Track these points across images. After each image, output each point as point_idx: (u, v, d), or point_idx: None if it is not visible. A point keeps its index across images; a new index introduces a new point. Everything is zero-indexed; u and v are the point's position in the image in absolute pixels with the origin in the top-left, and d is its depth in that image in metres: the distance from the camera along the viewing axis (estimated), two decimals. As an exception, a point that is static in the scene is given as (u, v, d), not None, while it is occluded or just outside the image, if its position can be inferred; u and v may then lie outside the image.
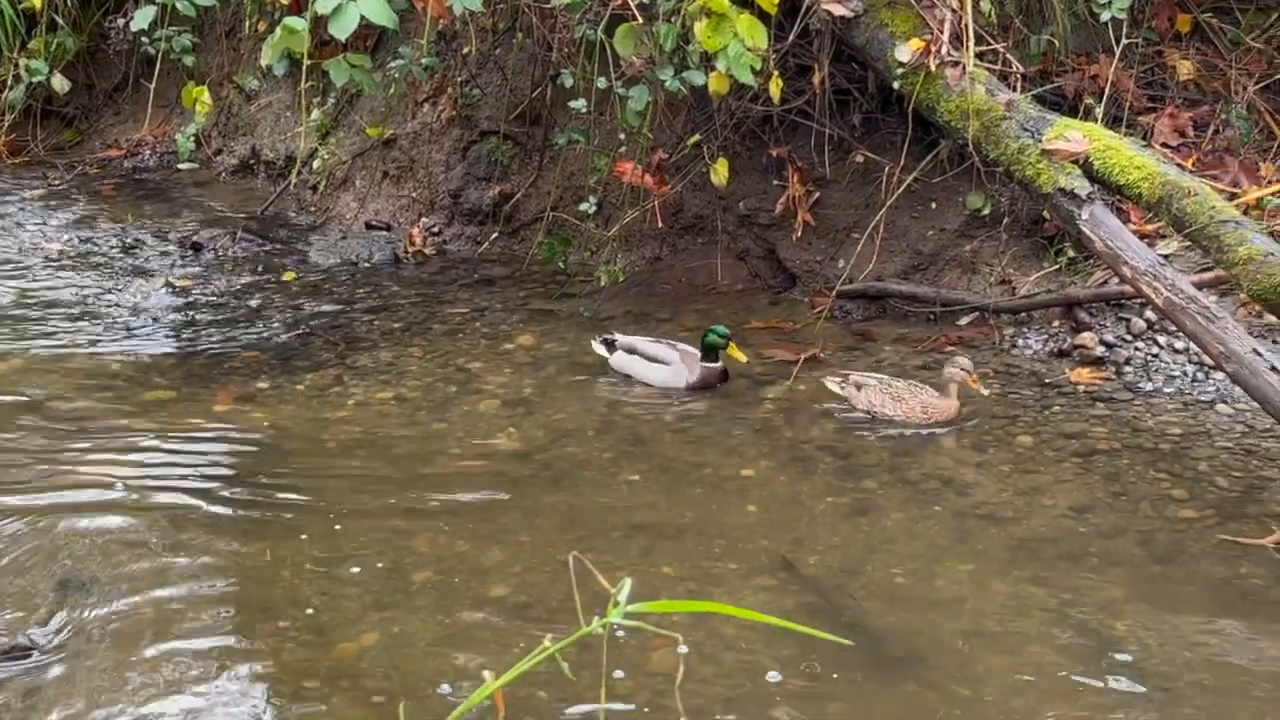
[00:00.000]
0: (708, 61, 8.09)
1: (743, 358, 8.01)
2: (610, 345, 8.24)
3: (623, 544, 6.40)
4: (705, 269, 9.76)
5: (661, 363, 8.04)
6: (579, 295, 9.58)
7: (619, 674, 5.34)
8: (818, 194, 9.40)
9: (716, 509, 6.77)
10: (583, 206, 9.39)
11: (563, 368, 8.45)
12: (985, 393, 7.59)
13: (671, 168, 9.46)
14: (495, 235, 10.51)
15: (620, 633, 5.43)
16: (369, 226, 10.96)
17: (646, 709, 5.17)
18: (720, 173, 8.75)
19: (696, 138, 9.19)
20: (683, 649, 5.52)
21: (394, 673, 5.44)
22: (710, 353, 7.99)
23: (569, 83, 9.03)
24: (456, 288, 9.91)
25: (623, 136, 9.18)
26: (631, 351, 8.14)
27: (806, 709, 5.20)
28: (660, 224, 9.34)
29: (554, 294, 9.68)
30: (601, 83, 8.69)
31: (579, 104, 8.95)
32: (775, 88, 8.25)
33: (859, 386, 7.67)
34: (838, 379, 7.81)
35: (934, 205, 9.20)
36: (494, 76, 10.66)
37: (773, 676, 5.39)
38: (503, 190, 10.53)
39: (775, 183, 9.48)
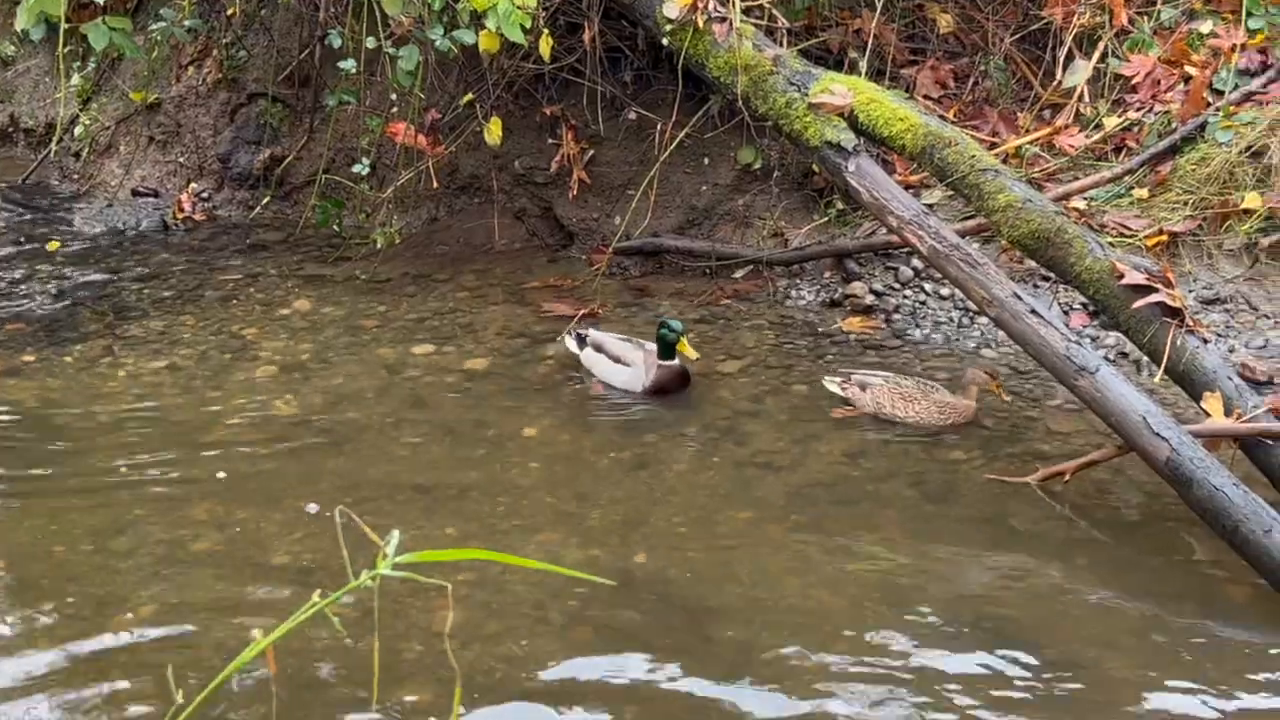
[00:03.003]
0: (478, 20, 8.05)
1: (693, 354, 7.53)
2: (582, 341, 7.83)
3: (406, 506, 6.38)
4: (483, 229, 9.74)
5: (624, 364, 7.60)
6: (355, 258, 9.49)
7: (401, 629, 5.34)
8: (592, 152, 9.43)
9: (499, 468, 6.78)
10: (356, 168, 9.28)
11: (340, 331, 8.37)
12: (1007, 399, 7.22)
13: (445, 128, 9.40)
14: (267, 199, 10.35)
15: (404, 592, 5.44)
16: (136, 193, 10.70)
17: (427, 661, 5.17)
18: (494, 132, 8.73)
19: (469, 97, 9.14)
20: (469, 600, 5.53)
21: (173, 643, 5.35)
22: (667, 350, 7.49)
23: (337, 43, 8.90)
24: (229, 254, 9.74)
25: (394, 97, 9.09)
26: (599, 348, 7.70)
27: (592, 659, 5.25)
28: (435, 185, 9.29)
29: (329, 258, 9.57)
30: (371, 43, 8.59)
31: (348, 64, 8.84)
32: (546, 46, 8.25)
33: (863, 387, 7.27)
34: (838, 379, 7.40)
35: (707, 161, 9.30)
36: (260, 38, 10.47)
37: (554, 618, 5.47)
38: (273, 153, 10.36)
39: (550, 141, 9.48)
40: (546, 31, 8.27)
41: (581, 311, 8.40)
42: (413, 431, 7.14)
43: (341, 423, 7.24)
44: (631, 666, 5.19)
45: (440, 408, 7.43)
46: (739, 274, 8.97)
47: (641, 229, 9.08)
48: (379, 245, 9.20)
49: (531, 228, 9.79)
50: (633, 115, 9.26)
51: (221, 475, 6.63)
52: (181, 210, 10.37)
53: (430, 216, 9.93)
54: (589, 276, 9.05)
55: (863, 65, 8.87)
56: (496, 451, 6.95)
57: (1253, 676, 5.15)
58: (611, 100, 9.31)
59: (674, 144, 8.83)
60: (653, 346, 7.57)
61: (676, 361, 7.50)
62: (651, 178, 8.86)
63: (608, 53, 9.10)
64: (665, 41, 8.26)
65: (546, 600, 5.61)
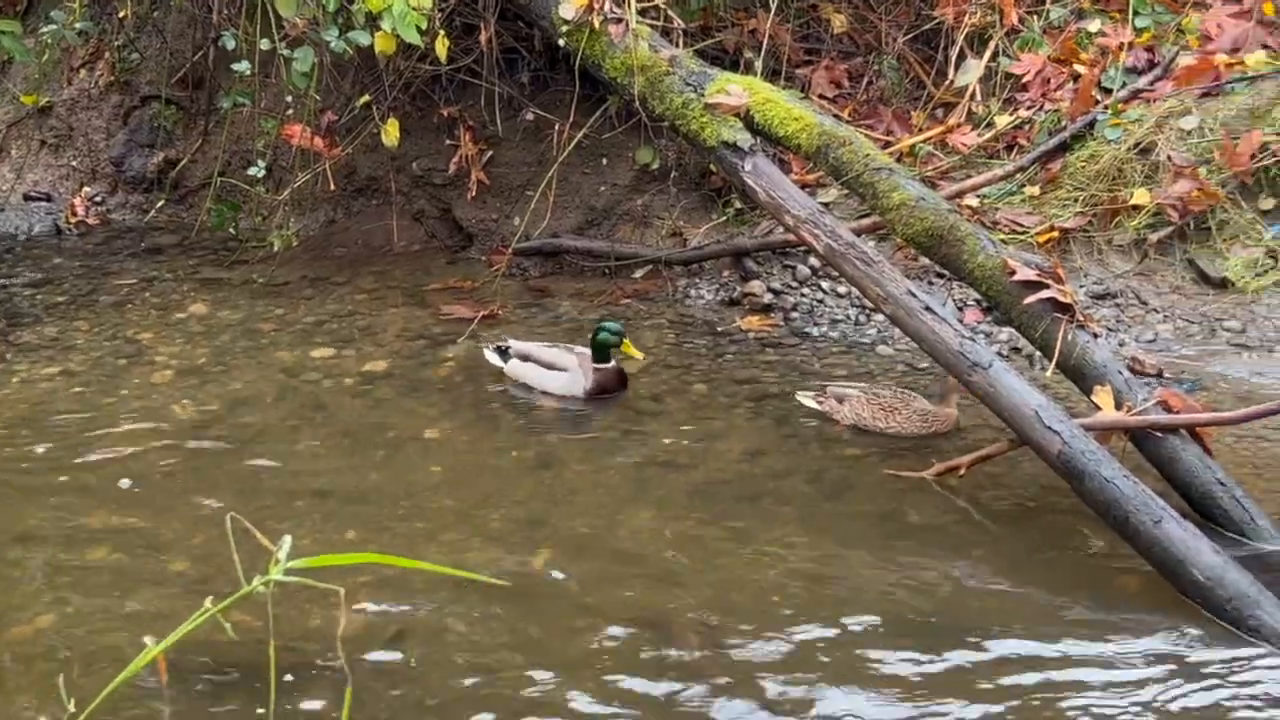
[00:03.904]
0: (373, 21, 8.02)
1: (639, 355, 7.58)
2: (504, 353, 7.72)
3: (306, 511, 6.35)
4: (381, 230, 9.71)
5: (559, 369, 7.54)
6: (252, 261, 9.41)
7: (299, 635, 5.32)
8: (491, 153, 9.43)
9: (400, 470, 6.77)
10: (251, 171, 9.19)
11: (238, 335, 8.31)
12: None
13: (341, 129, 9.36)
14: (162, 203, 10.25)
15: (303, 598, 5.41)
16: (27, 198, 10.55)
17: (324, 666, 5.16)
18: (391, 134, 8.69)
19: (366, 99, 9.10)
20: (369, 606, 5.52)
21: (70, 653, 5.29)
22: (601, 352, 7.48)
23: (231, 45, 8.82)
24: (123, 258, 9.63)
25: (290, 99, 9.03)
26: (527, 358, 7.65)
27: (493, 662, 5.25)
28: (333, 187, 9.24)
29: (226, 261, 9.50)
30: (265, 44, 8.53)
31: (242, 66, 8.75)
32: (442, 47, 8.23)
33: (840, 399, 7.18)
34: (812, 393, 7.33)
35: (605, 161, 9.32)
36: (153, 40, 10.36)
37: (454, 623, 5.47)
38: (167, 156, 10.27)
39: (448, 142, 9.46)
40: (443, 32, 8.25)
41: (481, 313, 8.39)
42: (312, 435, 7.11)
43: (240, 427, 7.19)
44: (534, 668, 5.20)
45: (340, 411, 7.39)
46: (638, 274, 9.01)
47: (541, 229, 9.09)
48: (276, 248, 9.13)
49: (430, 229, 9.77)
50: (530, 116, 9.26)
51: (125, 484, 6.56)
52: (74, 214, 10.24)
53: (328, 219, 9.88)
54: (488, 278, 9.05)
55: (758, 65, 8.94)
56: (397, 454, 6.93)
57: (1146, 665, 5.25)
58: (509, 101, 9.30)
59: (572, 145, 8.84)
60: (581, 350, 7.57)
61: (613, 363, 7.49)
62: (550, 178, 8.87)
63: (505, 54, 9.09)
64: (562, 42, 8.27)
65: (448, 603, 5.60)
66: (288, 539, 2.30)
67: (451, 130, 9.42)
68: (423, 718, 4.92)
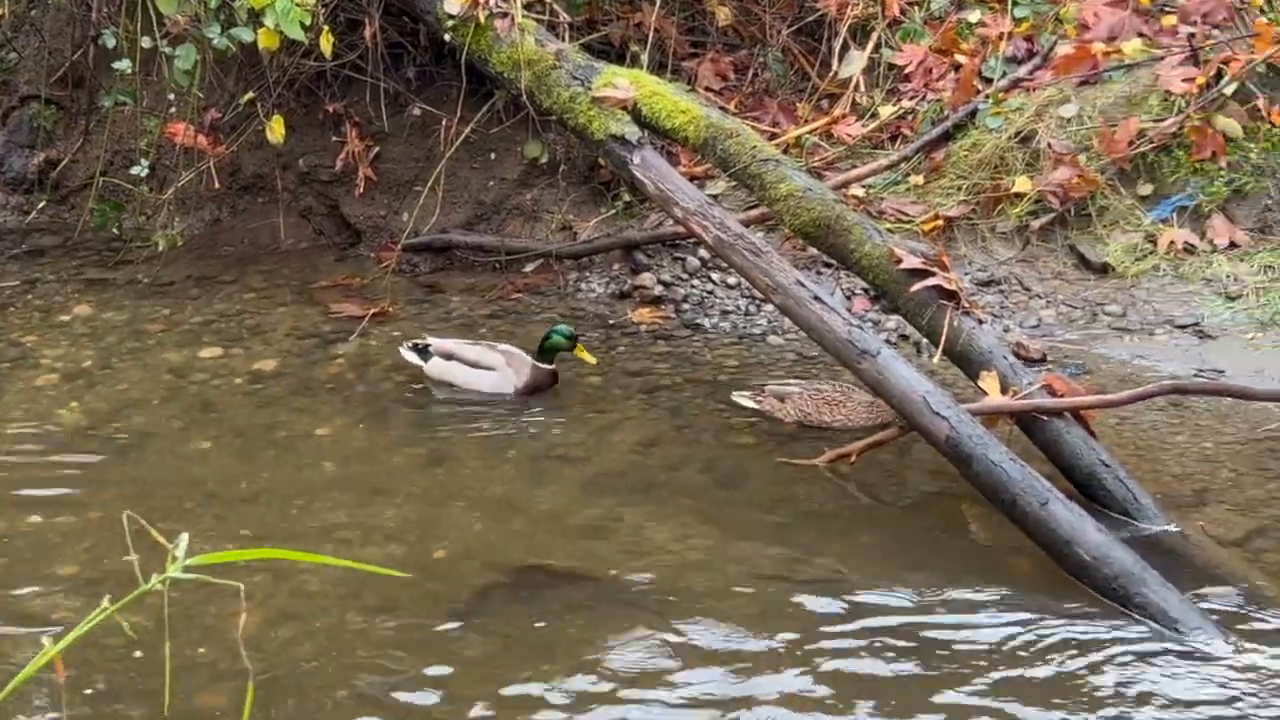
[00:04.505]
0: (256, 17, 7.96)
1: (592, 360, 7.48)
2: (423, 351, 7.59)
3: (198, 512, 6.29)
4: (268, 229, 9.62)
5: (486, 368, 7.46)
6: (136, 262, 9.29)
7: (196, 635, 5.28)
8: (378, 149, 9.38)
9: (293, 469, 6.73)
10: (134, 170, 9.06)
11: (124, 336, 8.21)
12: None
13: (226, 127, 9.27)
14: (43, 204, 10.08)
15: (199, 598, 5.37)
16: (-96, 201, 10.35)
17: (222, 666, 5.12)
18: (276, 131, 8.61)
19: (249, 96, 9.01)
20: (268, 604, 5.48)
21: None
22: (549, 354, 7.41)
23: (111, 43, 8.71)
24: (4, 260, 9.48)
25: (173, 97, 8.92)
26: (449, 357, 7.52)
27: (392, 658, 5.24)
28: (218, 185, 9.14)
29: (110, 262, 9.37)
30: (146, 42, 8.43)
31: (123, 65, 8.63)
32: (326, 43, 8.18)
33: (781, 397, 7.13)
34: (749, 393, 7.26)
35: (493, 156, 9.31)
36: (31, 39, 10.21)
37: (353, 619, 5.47)
38: (48, 157, 10.11)
39: (334, 139, 9.41)
40: (327, 28, 8.21)
41: (371, 310, 8.35)
42: (202, 436, 7.04)
43: (128, 429, 7.10)
44: (432, 664, 5.19)
45: (230, 411, 7.33)
46: (529, 268, 9.00)
47: (430, 225, 9.05)
48: (161, 248, 9.02)
49: (318, 226, 9.70)
50: (417, 111, 9.23)
51: (12, 489, 6.46)
52: (-48, 217, 10.07)
53: (214, 217, 9.78)
54: (378, 275, 9.00)
55: (644, 59, 8.98)
56: (289, 453, 6.89)
57: (1036, 644, 5.34)
58: (396, 97, 9.26)
59: (460, 140, 8.82)
60: (506, 347, 7.53)
61: (552, 366, 7.43)
62: (438, 174, 8.85)
63: (390, 49, 9.05)
64: (447, 37, 8.25)
65: (347, 600, 5.58)
66: (185, 536, 2.29)
67: (338, 126, 9.36)
68: (324, 715, 4.90)
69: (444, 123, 8.95)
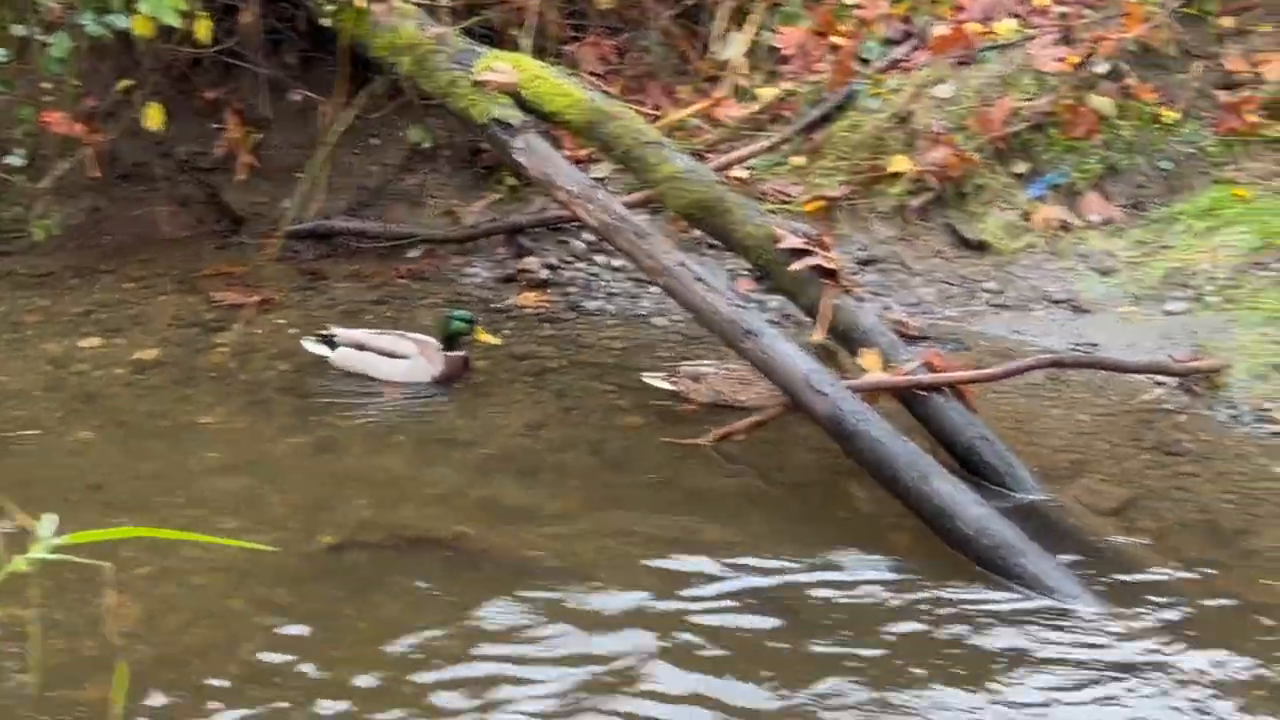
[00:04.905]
0: (131, 4, 7.86)
1: (495, 340, 7.49)
2: (329, 342, 7.51)
3: (80, 504, 6.20)
4: (148, 217, 9.49)
5: (400, 357, 7.40)
6: (14, 253, 9.12)
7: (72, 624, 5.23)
8: (259, 135, 9.31)
9: (177, 459, 6.67)
10: (10, 159, 8.91)
11: (1, 328, 8.07)
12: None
13: (103, 115, 9.14)
14: (-84, 196, 9.89)
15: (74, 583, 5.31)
16: None
17: (96, 654, 5.08)
18: (154, 118, 8.51)
19: (127, 83, 8.90)
20: (148, 592, 5.44)
21: None
22: (452, 340, 7.37)
23: (-17, 31, 8.57)
24: (-124, 253, 9.29)
25: (49, 84, 8.78)
26: (360, 347, 7.45)
27: (276, 644, 5.23)
28: (96, 174, 9.02)
29: (-15, 253, 9.22)
30: (20, 29, 8.29)
31: (-3, 53, 8.51)
32: (203, 29, 8.10)
33: (695, 378, 7.13)
34: (661, 374, 7.26)
35: (376, 141, 9.29)
36: (-102, 27, 9.99)
37: (236, 606, 5.45)
38: (-80, 147, 9.91)
39: (214, 126, 9.32)
40: (204, 14, 8.12)
41: (255, 298, 8.29)
42: (83, 427, 6.96)
43: (7, 422, 6.99)
44: (313, 651, 5.17)
45: (111, 401, 7.25)
46: (413, 253, 8.98)
47: (313, 212, 9.01)
48: (38, 238, 8.87)
49: (199, 214, 9.60)
50: (298, 98, 9.17)
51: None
52: None
53: (92, 206, 9.63)
54: (261, 262, 8.93)
55: (526, 43, 8.98)
56: (173, 442, 6.83)
57: (920, 616, 5.44)
58: (276, 83, 9.19)
59: (341, 126, 8.78)
60: (416, 336, 7.50)
61: (463, 353, 7.40)
62: (320, 160, 8.80)
63: (269, 35, 8.98)
64: (327, 22, 8.21)
65: (229, 589, 5.55)
66: (52, 516, 2.29)
67: (218, 113, 9.27)
68: (202, 699, 4.88)
69: (325, 109, 8.90)
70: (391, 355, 7.43)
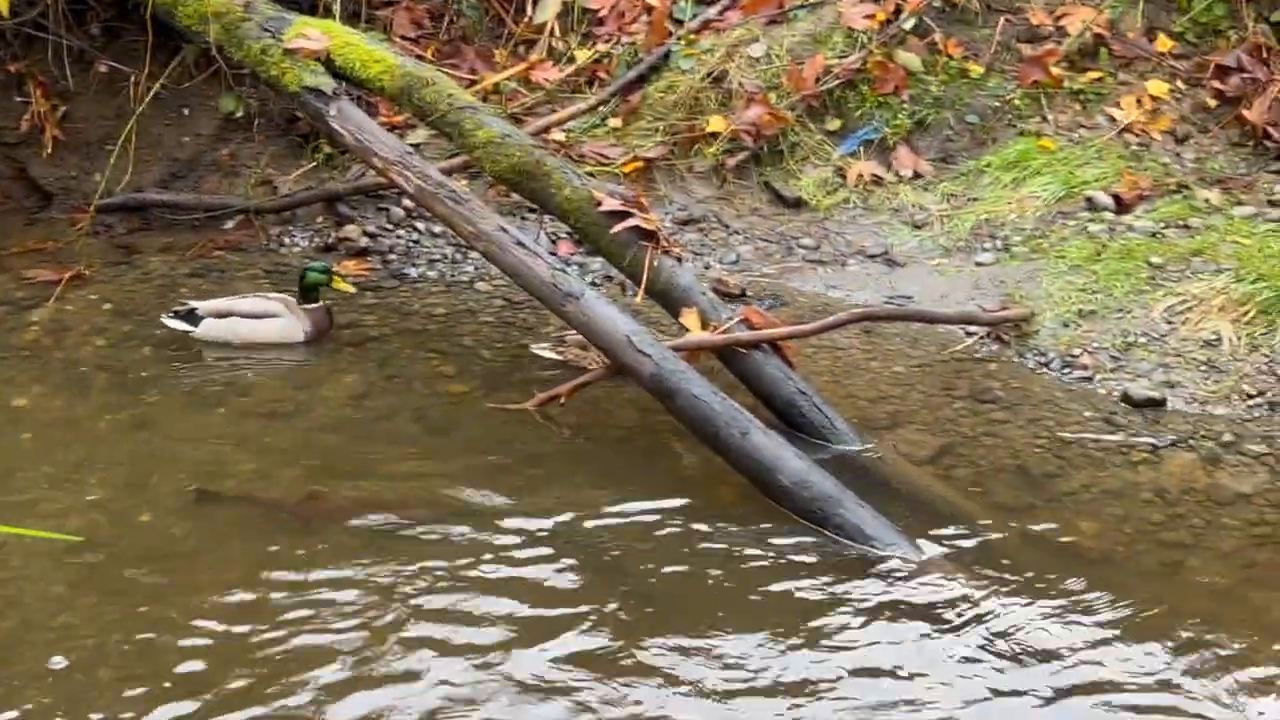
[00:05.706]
0: (-76, -25, 7.64)
1: (351, 289, 7.55)
2: (189, 316, 7.32)
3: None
4: (-50, 196, 9.25)
5: (270, 316, 7.30)
6: None
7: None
8: (65, 108, 9.09)
9: (-9, 442, 6.55)
10: None
11: None
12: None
13: (-100, 90, 8.87)
14: None
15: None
16: None
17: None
18: (-46, 92, 8.30)
19: (-79, 57, 8.65)
20: None
21: None
22: (310, 293, 7.35)
23: None
24: None
25: None
26: (225, 315, 7.29)
27: (100, 621, 5.17)
28: (-106, 151, 8.76)
29: None
30: None
31: None
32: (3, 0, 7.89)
33: (585, 346, 6.97)
34: (549, 344, 7.27)
35: (187, 111, 9.12)
36: None
37: (58, 590, 5.39)
38: None
39: (18, 99, 9.08)
40: (3, -15, 7.93)
41: (67, 274, 8.10)
42: (-116, 412, 6.79)
43: None
44: (136, 627, 5.14)
45: (-84, 385, 7.08)
46: (229, 225, 8.83)
47: (124, 185, 8.82)
48: None
49: (6, 190, 9.33)
50: (104, 69, 8.97)
51: None
52: None
53: (-111, 185, 9.36)
54: (72, 238, 8.71)
55: (336, 9, 8.87)
56: (-14, 425, 6.70)
57: (743, 569, 5.57)
58: (81, 54, 8.98)
59: (150, 96, 8.63)
60: (278, 295, 7.45)
61: (322, 304, 7.38)
62: (129, 132, 8.63)
63: (72, 5, 8.77)
64: (131, -9, 8.05)
65: (49, 571, 5.48)
66: None
67: (21, 86, 9.04)
68: (25, 692, 4.82)
69: (133, 79, 8.73)
70: (261, 317, 7.36)
